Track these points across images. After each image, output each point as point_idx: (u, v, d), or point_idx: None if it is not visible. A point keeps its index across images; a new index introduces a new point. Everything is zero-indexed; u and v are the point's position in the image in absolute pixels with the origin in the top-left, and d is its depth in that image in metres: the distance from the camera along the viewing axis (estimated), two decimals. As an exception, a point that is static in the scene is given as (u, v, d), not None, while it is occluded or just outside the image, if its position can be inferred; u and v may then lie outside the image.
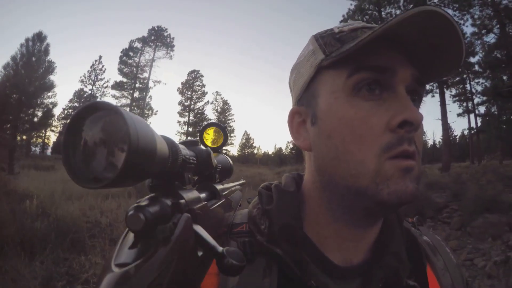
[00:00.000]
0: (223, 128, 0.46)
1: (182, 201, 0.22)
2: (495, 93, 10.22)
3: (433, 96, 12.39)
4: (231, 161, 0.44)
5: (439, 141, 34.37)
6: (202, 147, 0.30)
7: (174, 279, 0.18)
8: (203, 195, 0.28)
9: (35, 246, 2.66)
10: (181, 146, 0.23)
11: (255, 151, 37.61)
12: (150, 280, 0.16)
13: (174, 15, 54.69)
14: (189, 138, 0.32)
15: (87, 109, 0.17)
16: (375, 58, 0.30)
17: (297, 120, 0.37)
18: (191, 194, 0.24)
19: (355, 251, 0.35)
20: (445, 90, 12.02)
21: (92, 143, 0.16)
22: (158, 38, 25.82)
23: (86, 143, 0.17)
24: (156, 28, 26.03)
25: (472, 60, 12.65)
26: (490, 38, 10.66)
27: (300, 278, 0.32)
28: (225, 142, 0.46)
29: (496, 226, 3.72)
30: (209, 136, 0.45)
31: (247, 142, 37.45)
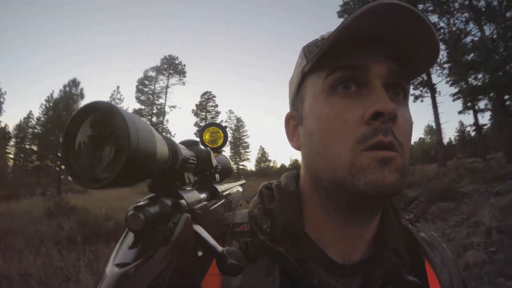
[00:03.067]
0: (223, 128, 0.46)
1: (182, 201, 0.22)
2: (472, 92, 10.91)
3: (422, 101, 12.56)
4: (231, 162, 0.44)
5: (455, 139, 34.13)
6: (202, 147, 0.30)
7: (174, 279, 0.18)
8: (203, 195, 0.28)
9: (109, 237, 4.45)
10: (181, 146, 0.23)
11: (271, 165, 38.64)
12: (150, 280, 0.16)
13: (183, 38, 56.32)
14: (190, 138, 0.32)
15: (86, 109, 0.16)
16: (348, 57, 0.32)
17: (292, 124, 0.40)
18: (191, 194, 0.24)
19: (353, 248, 0.35)
20: (436, 93, 12.20)
21: (92, 143, 0.16)
22: (170, 66, 27.37)
23: (85, 143, 0.17)
24: (168, 57, 27.66)
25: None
26: (468, 42, 10.85)
27: (303, 277, 0.32)
28: (225, 142, 0.46)
29: (446, 211, 4.72)
30: (209, 136, 0.46)
31: (262, 157, 38.25)
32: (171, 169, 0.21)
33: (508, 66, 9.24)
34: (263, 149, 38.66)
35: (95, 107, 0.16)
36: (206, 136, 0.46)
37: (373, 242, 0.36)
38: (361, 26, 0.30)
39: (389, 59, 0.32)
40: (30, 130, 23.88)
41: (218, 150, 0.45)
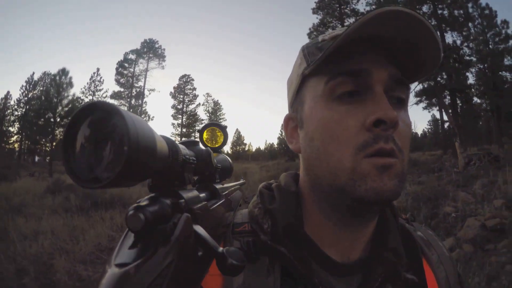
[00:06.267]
0: (223, 128, 0.46)
1: (182, 201, 0.22)
2: (425, 93, 12.33)
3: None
4: (231, 161, 0.44)
5: (428, 131, 35.83)
6: (202, 147, 0.30)
7: (174, 279, 0.18)
8: (203, 195, 0.28)
9: (106, 206, 5.81)
10: (181, 146, 0.23)
11: (246, 148, 39.32)
12: (150, 280, 0.16)
13: (164, 21, 55.89)
14: (191, 138, 0.32)
15: (86, 109, 0.16)
16: (350, 62, 0.31)
17: (291, 126, 0.39)
18: (191, 194, 0.24)
19: (351, 248, 0.35)
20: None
21: (92, 144, 0.16)
22: (150, 49, 27.17)
23: (85, 143, 0.16)
24: (148, 41, 27.45)
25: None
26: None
27: (303, 276, 0.32)
28: (225, 142, 0.46)
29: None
30: (209, 136, 0.45)
31: (238, 140, 38.64)
32: (171, 169, 0.21)
33: (461, 72, 10.77)
34: (239, 132, 39.10)
35: (95, 107, 0.16)
36: (206, 136, 0.45)
37: (371, 241, 0.36)
38: (367, 31, 0.29)
39: (390, 64, 0.32)
40: (9, 111, 22.98)
41: (218, 150, 0.45)
